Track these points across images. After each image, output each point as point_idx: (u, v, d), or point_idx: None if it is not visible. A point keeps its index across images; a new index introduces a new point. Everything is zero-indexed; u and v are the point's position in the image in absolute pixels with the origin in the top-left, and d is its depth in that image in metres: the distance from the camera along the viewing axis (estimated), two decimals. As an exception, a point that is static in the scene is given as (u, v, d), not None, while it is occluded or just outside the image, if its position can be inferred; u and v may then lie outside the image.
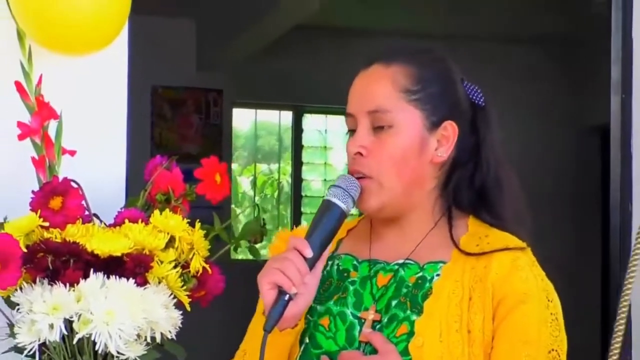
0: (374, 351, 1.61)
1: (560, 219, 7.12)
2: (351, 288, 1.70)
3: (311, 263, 1.58)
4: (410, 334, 1.61)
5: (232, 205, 7.33)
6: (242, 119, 7.72)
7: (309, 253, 1.58)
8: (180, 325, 1.73)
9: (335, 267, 1.74)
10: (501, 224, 1.71)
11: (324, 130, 7.79)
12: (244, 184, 8.08)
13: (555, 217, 6.94)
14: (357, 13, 6.30)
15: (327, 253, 1.63)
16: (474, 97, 1.76)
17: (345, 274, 1.73)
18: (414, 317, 1.62)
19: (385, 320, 1.65)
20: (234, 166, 7.74)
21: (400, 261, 1.70)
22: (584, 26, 6.40)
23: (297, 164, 7.66)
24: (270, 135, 7.98)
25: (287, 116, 7.75)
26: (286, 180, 7.91)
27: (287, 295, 1.55)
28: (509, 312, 1.61)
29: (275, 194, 8.01)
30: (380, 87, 1.68)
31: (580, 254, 7.10)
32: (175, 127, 6.89)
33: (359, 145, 1.67)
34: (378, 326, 1.65)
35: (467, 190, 1.72)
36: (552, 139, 7.32)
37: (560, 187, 7.30)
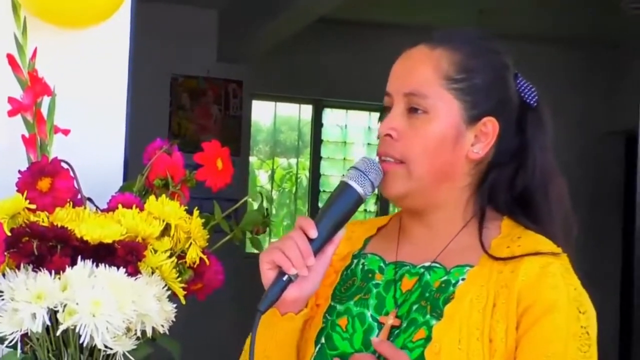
0: None
1: (581, 222, 7.02)
2: (374, 290, 1.59)
3: (317, 245, 1.48)
4: (428, 339, 1.49)
5: (249, 199, 7.25)
6: (264, 113, 7.63)
7: (314, 234, 1.47)
8: (174, 320, 1.61)
9: (360, 266, 1.64)
10: (538, 228, 1.58)
11: (344, 126, 7.69)
12: (262, 177, 8.00)
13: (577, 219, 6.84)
14: (380, 7, 6.17)
15: (339, 238, 1.51)
16: (526, 96, 1.63)
17: (370, 275, 1.62)
18: (433, 322, 1.50)
19: (405, 324, 1.53)
20: (253, 159, 7.65)
21: (427, 264, 1.58)
22: (613, 28, 6.27)
23: (316, 158, 7.57)
24: (292, 130, 7.90)
25: (307, 110, 7.65)
26: (305, 175, 7.82)
27: (286, 276, 1.45)
28: (534, 323, 1.47)
29: (294, 189, 7.92)
30: (421, 69, 1.56)
31: (601, 257, 6.97)
32: (194, 117, 6.81)
33: (390, 127, 1.56)
34: (397, 331, 1.53)
35: (504, 192, 1.60)
36: (573, 142, 7.19)
37: (581, 190, 7.17)
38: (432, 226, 1.61)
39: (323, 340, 1.58)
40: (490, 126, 1.57)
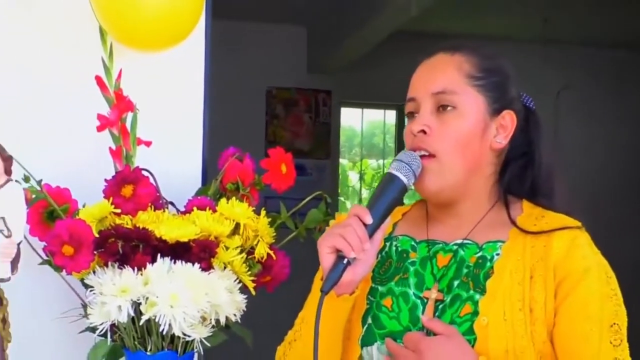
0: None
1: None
2: (411, 269, 1.60)
3: (371, 231, 1.47)
4: (475, 313, 1.50)
5: (341, 198, 7.30)
6: (356, 118, 7.62)
7: (369, 220, 1.47)
8: (245, 309, 1.63)
9: (394, 248, 1.65)
10: (555, 208, 1.59)
11: (425, 128, 7.63)
12: (353, 178, 8.00)
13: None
14: (450, 19, 6.11)
15: (386, 224, 1.51)
16: (525, 101, 1.66)
17: (405, 255, 1.63)
18: (477, 297, 1.51)
19: (448, 300, 1.54)
20: (344, 161, 7.66)
21: (459, 241, 1.58)
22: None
23: (401, 159, 7.52)
24: (382, 133, 7.89)
25: (392, 115, 7.62)
26: (392, 174, 7.80)
27: (346, 260, 1.45)
28: (571, 290, 1.48)
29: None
30: (446, 71, 1.58)
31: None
32: (287, 125, 6.83)
33: (423, 124, 1.56)
34: (441, 306, 1.54)
35: (520, 183, 1.62)
36: (636, 142, 6.99)
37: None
38: (460, 215, 1.61)
39: (370, 321, 1.58)
40: (508, 118, 1.60)
